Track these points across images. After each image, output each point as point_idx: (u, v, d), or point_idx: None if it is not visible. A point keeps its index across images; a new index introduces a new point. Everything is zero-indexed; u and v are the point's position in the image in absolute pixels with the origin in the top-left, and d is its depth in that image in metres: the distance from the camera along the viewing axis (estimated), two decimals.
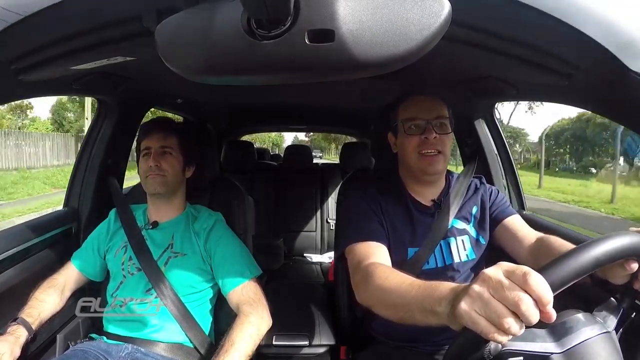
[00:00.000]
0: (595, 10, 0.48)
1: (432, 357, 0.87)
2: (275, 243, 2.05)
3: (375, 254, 0.80)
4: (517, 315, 0.39)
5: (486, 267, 0.44)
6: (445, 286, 0.51)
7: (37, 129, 14.92)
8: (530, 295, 0.38)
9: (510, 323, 0.39)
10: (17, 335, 0.82)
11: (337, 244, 1.01)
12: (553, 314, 0.39)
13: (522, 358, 0.48)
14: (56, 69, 0.74)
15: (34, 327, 0.86)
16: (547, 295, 0.38)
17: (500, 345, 0.47)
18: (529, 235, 0.86)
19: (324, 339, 1.19)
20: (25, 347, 0.83)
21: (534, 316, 0.38)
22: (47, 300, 0.93)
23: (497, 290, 0.40)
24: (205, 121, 1.72)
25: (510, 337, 0.40)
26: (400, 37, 0.42)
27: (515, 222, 0.91)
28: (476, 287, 0.42)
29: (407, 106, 0.90)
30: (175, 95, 1.56)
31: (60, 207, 1.30)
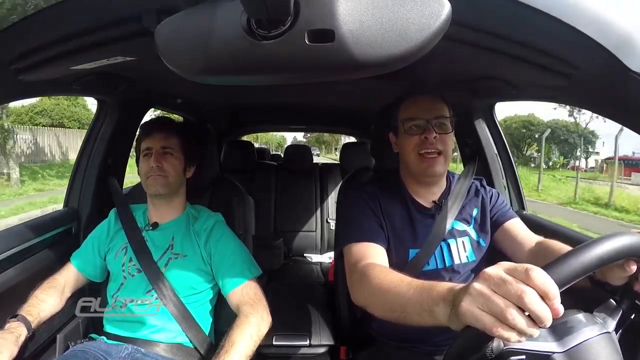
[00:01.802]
0: (595, 10, 0.48)
1: (432, 357, 0.87)
2: (275, 243, 2.05)
3: (373, 254, 0.80)
4: (522, 309, 0.38)
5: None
6: (443, 286, 0.51)
7: None
8: (535, 291, 0.38)
9: (514, 315, 0.38)
10: (17, 335, 0.81)
11: (337, 243, 1.01)
12: (560, 309, 0.38)
13: (524, 357, 0.48)
14: (56, 69, 0.74)
15: (33, 325, 0.86)
16: (553, 288, 0.38)
17: (502, 344, 0.46)
18: (529, 238, 0.86)
19: (323, 339, 1.19)
20: (24, 346, 0.83)
21: (543, 310, 0.37)
22: (47, 300, 0.93)
23: (499, 285, 0.40)
24: (205, 121, 1.72)
25: (517, 333, 0.38)
26: (400, 37, 0.42)
27: (515, 225, 0.91)
28: (477, 285, 0.42)
29: (407, 106, 0.90)
30: (175, 95, 1.56)
31: None
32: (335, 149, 31.16)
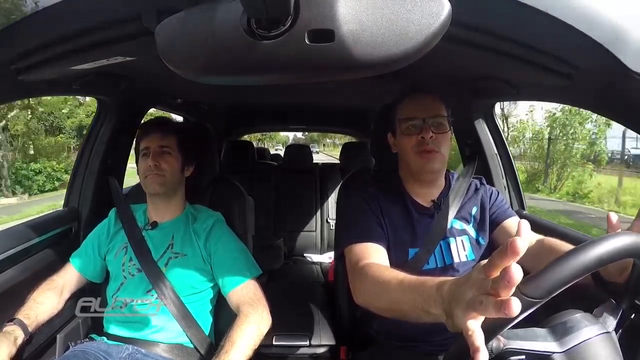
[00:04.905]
0: (595, 10, 0.48)
1: (432, 357, 0.87)
2: (275, 243, 2.05)
3: (373, 254, 0.80)
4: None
5: None
6: (431, 287, 0.50)
7: None
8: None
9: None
10: (14, 337, 0.81)
11: (337, 244, 1.01)
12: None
13: (523, 357, 0.48)
14: (56, 69, 0.74)
15: (30, 329, 0.86)
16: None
17: (502, 344, 0.46)
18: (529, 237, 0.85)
19: (324, 339, 1.19)
20: (21, 349, 0.83)
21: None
22: (45, 303, 0.93)
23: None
24: (205, 121, 1.72)
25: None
26: (400, 37, 0.42)
27: (514, 223, 0.91)
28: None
29: (404, 106, 0.91)
30: (175, 95, 1.56)
31: None
32: (324, 145, 37.78)
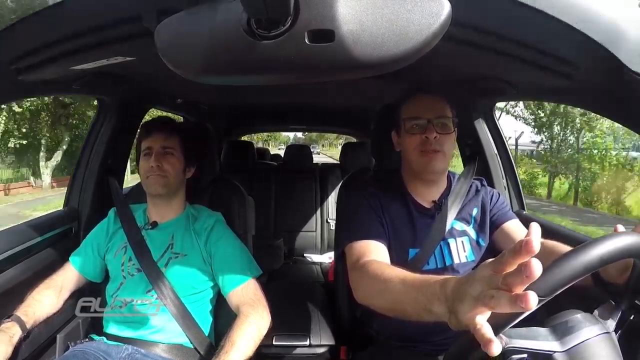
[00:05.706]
0: (595, 10, 0.48)
1: (432, 357, 0.87)
2: (275, 243, 2.05)
3: (373, 251, 0.80)
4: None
5: None
6: (434, 285, 0.50)
7: None
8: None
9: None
10: (11, 334, 0.81)
11: (337, 243, 1.01)
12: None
13: (525, 355, 0.48)
14: (56, 69, 0.74)
15: (28, 326, 0.85)
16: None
17: (504, 343, 0.46)
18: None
19: (324, 339, 1.19)
20: (19, 346, 0.82)
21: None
22: (43, 301, 0.92)
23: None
24: (205, 121, 1.72)
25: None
26: (400, 37, 0.43)
27: (514, 226, 0.91)
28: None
29: (409, 105, 0.90)
30: (175, 95, 1.56)
31: None
32: (322, 145, 39.08)
